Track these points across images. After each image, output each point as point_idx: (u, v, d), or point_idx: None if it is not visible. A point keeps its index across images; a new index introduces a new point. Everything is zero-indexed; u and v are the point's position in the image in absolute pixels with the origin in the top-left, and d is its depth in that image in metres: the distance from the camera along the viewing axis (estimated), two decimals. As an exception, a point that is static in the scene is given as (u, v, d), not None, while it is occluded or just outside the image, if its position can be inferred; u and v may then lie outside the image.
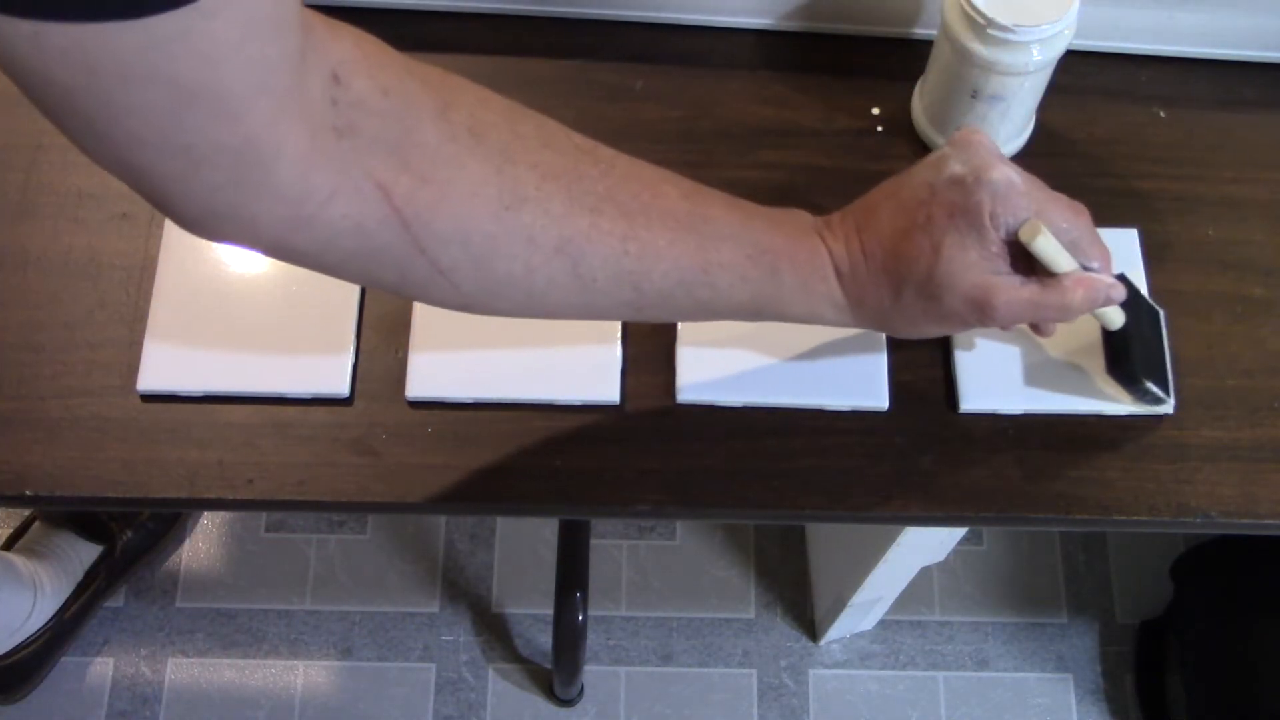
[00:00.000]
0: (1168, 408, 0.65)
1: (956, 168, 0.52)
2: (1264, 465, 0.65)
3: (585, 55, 0.75)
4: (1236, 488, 0.64)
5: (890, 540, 0.95)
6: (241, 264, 0.67)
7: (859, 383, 0.65)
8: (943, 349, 0.67)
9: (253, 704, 1.31)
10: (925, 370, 0.67)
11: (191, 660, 1.33)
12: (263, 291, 0.67)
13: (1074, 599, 1.40)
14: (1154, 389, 0.63)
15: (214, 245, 0.68)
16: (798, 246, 0.53)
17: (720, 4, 0.74)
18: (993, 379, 0.66)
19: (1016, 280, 0.53)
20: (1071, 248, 0.53)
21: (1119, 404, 0.66)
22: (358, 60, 0.41)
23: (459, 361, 0.65)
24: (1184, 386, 0.67)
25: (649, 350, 0.67)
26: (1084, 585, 1.41)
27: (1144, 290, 0.67)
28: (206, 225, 0.41)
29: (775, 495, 0.63)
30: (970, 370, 0.66)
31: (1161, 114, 0.75)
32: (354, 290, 0.67)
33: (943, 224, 0.52)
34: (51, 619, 1.25)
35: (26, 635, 1.24)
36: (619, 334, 0.66)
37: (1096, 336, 0.66)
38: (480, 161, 0.44)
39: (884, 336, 0.66)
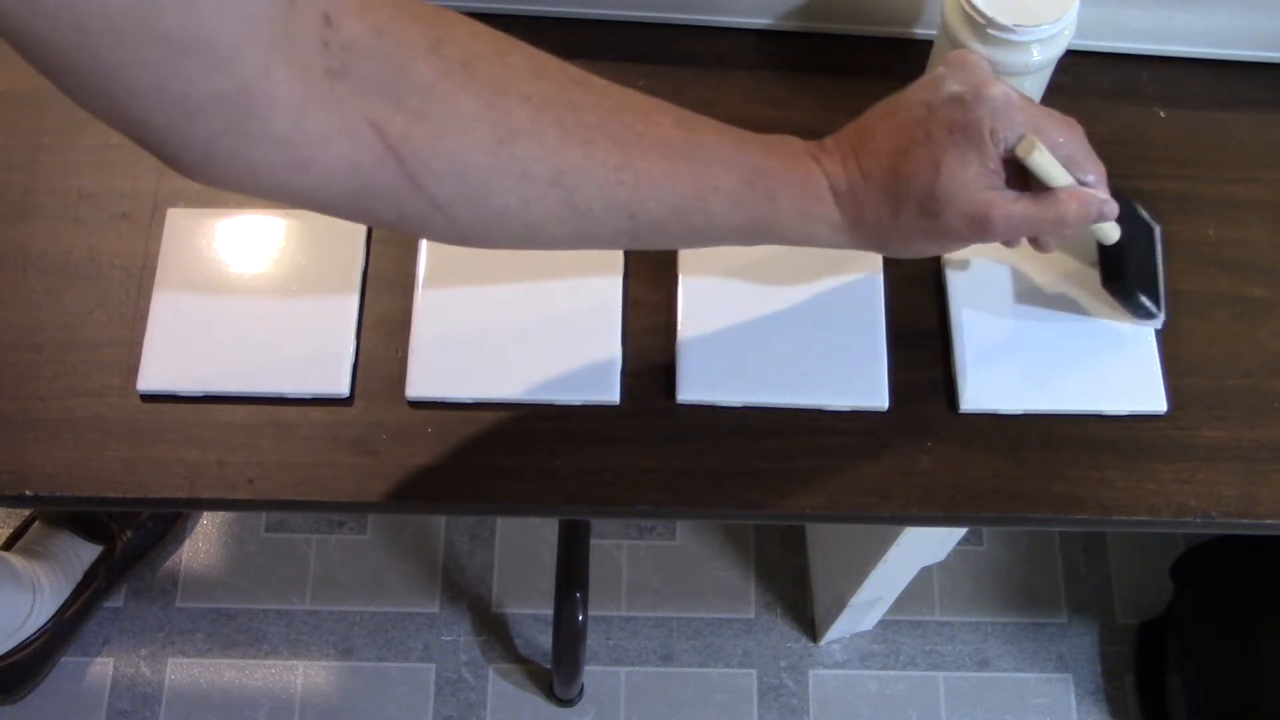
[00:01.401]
0: (1158, 322, 0.67)
1: (954, 86, 0.53)
2: (1264, 465, 0.65)
3: (585, 55, 0.74)
4: (1236, 488, 0.64)
5: (890, 540, 0.95)
6: (241, 264, 0.67)
7: (859, 383, 0.65)
8: (943, 349, 0.67)
9: (253, 704, 1.31)
10: (925, 370, 0.67)
11: (191, 660, 1.33)
12: (263, 291, 0.67)
13: (1074, 599, 1.40)
14: (1147, 302, 0.64)
15: (214, 245, 0.68)
16: (793, 169, 0.53)
17: (720, 4, 0.74)
18: (993, 379, 0.66)
19: (1013, 195, 0.53)
20: (1067, 163, 0.54)
21: (1119, 404, 0.66)
22: (348, 1, 0.42)
23: (459, 362, 0.65)
24: (1184, 386, 0.67)
25: (649, 350, 0.67)
26: (1084, 585, 1.41)
27: (1141, 212, 0.67)
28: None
29: (775, 495, 0.63)
30: (970, 370, 0.66)
31: (1161, 114, 0.75)
32: (354, 290, 0.67)
33: (943, 141, 0.52)
34: (51, 619, 1.25)
35: (26, 635, 1.23)
36: (619, 334, 0.66)
37: (1092, 336, 0.66)
38: (473, 96, 0.45)
39: (884, 336, 0.66)
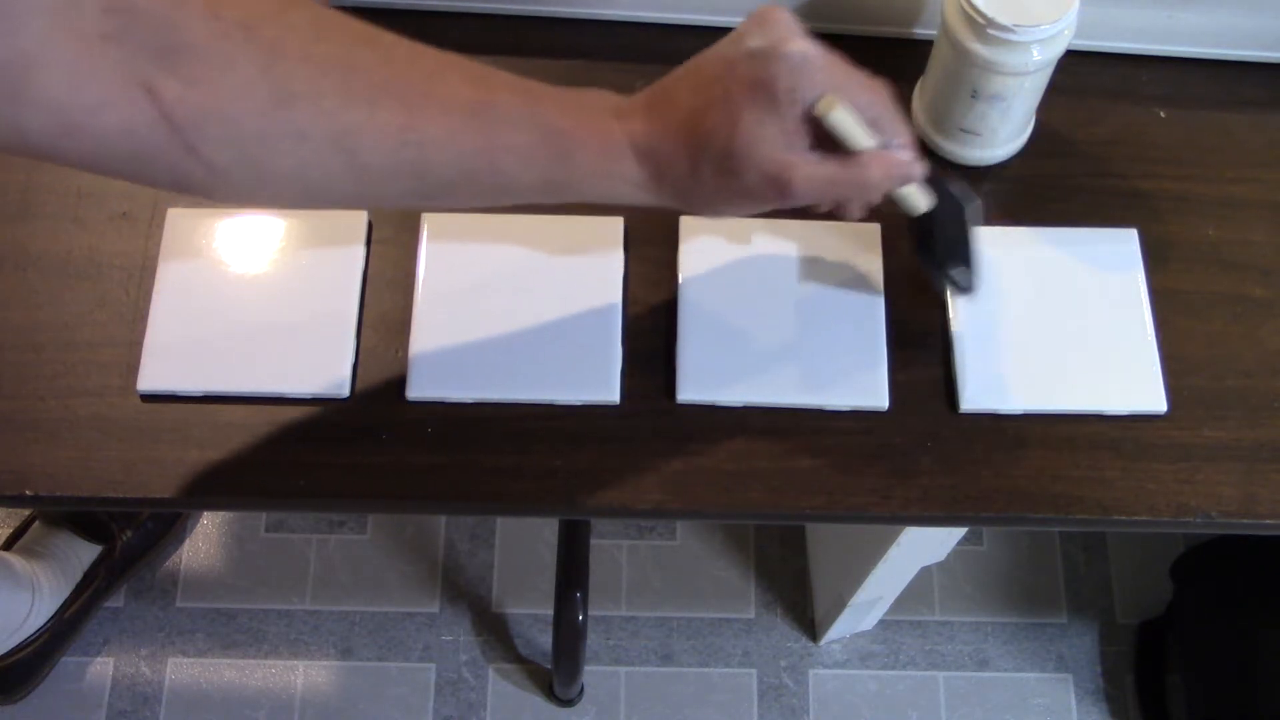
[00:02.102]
0: (972, 294, 0.66)
1: (754, 42, 0.51)
2: (1264, 465, 0.65)
3: (585, 55, 0.75)
4: (1236, 488, 0.64)
5: (890, 540, 0.95)
6: (241, 264, 0.67)
7: (859, 383, 0.65)
8: (943, 349, 0.67)
9: (253, 704, 1.31)
10: (925, 370, 0.67)
11: (191, 660, 1.33)
12: (263, 291, 0.67)
13: (1074, 599, 1.40)
14: (956, 275, 0.63)
15: (214, 245, 0.68)
16: (589, 128, 0.52)
17: (720, 4, 0.74)
18: (993, 379, 0.66)
19: (815, 157, 0.52)
20: (872, 124, 0.53)
21: (1119, 404, 0.66)
22: None
23: (459, 361, 0.65)
24: (1184, 386, 0.67)
25: (649, 350, 0.67)
26: (1084, 585, 1.41)
27: (952, 188, 0.67)
28: None
29: (775, 495, 0.63)
30: (970, 370, 0.66)
31: (1161, 114, 0.75)
32: (354, 290, 0.67)
33: (740, 98, 0.50)
34: (51, 619, 1.25)
35: (26, 635, 1.23)
36: (619, 334, 0.66)
37: (1092, 336, 0.66)
38: (250, 59, 0.44)
39: (884, 336, 0.66)
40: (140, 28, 0.41)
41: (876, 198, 0.56)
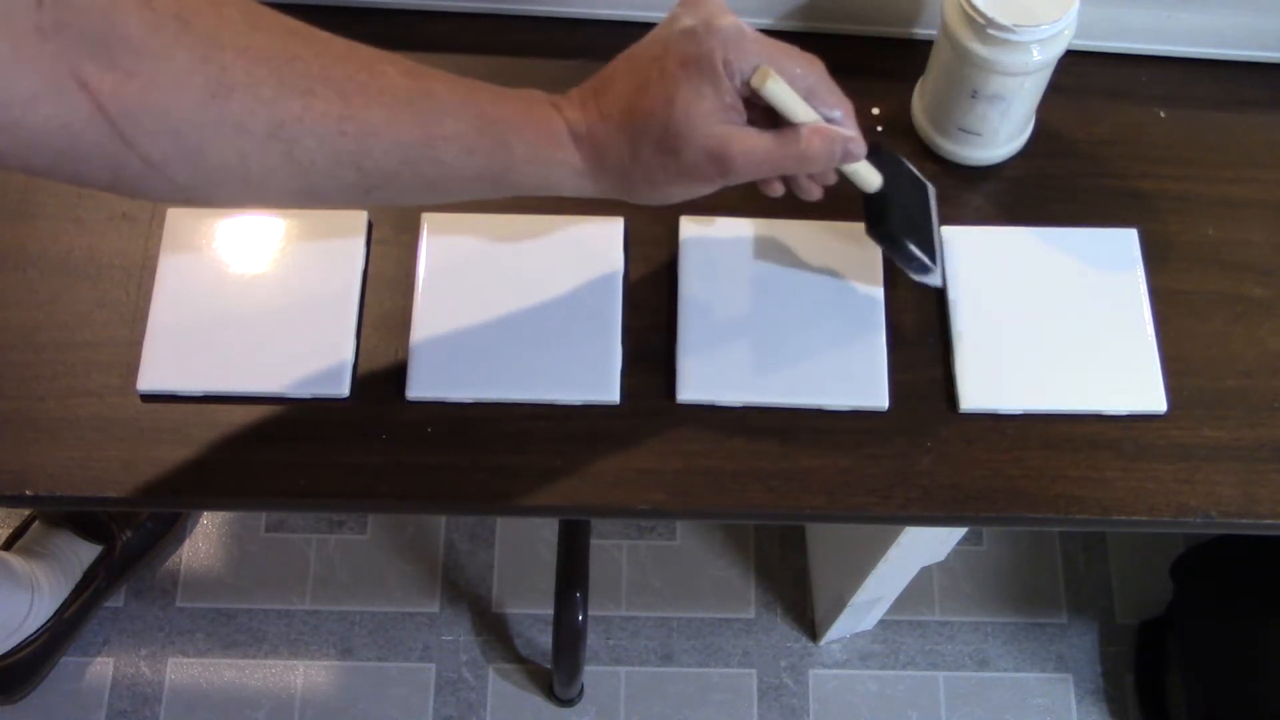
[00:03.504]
0: (935, 279, 0.65)
1: (687, 20, 0.52)
2: (1264, 465, 0.65)
3: (585, 55, 0.75)
4: (1236, 488, 0.64)
5: (890, 540, 0.95)
6: (241, 264, 0.67)
7: (859, 383, 0.65)
8: (943, 349, 0.67)
9: (253, 704, 1.31)
10: (925, 370, 0.67)
11: (191, 660, 1.33)
12: (263, 291, 0.67)
13: (1074, 599, 1.40)
14: (916, 250, 0.62)
15: (214, 245, 0.68)
16: (527, 116, 0.52)
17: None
18: (993, 379, 0.66)
19: (754, 132, 0.52)
20: (809, 96, 0.53)
21: (1119, 404, 0.66)
22: None
23: (459, 361, 0.65)
24: (1184, 386, 0.67)
25: (649, 350, 0.67)
26: (1084, 585, 1.41)
27: (914, 169, 0.66)
28: None
29: (775, 495, 0.63)
30: (970, 370, 0.66)
31: (1161, 114, 0.75)
32: (354, 290, 0.67)
33: (676, 75, 0.51)
34: (51, 619, 1.25)
35: (25, 635, 1.23)
36: (619, 334, 0.66)
37: (1091, 336, 0.66)
38: (186, 50, 0.44)
39: (884, 335, 0.66)
40: (74, 21, 0.41)
41: (824, 173, 0.56)
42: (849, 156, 0.55)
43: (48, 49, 0.41)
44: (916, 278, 0.65)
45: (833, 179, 0.59)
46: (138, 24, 0.42)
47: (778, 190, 0.60)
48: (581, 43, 0.75)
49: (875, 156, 0.60)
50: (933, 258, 0.64)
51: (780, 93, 0.51)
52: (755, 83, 0.51)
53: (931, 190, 0.66)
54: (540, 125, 0.52)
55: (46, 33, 0.41)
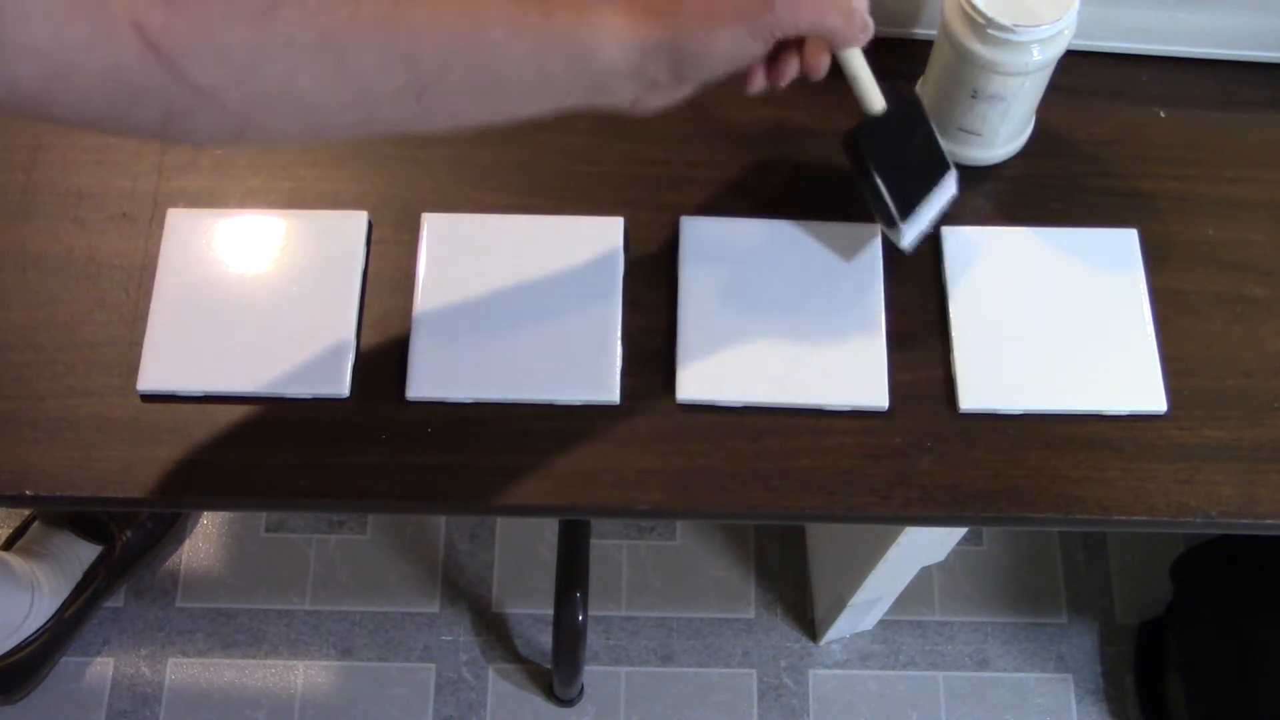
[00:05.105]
0: (902, 240, 0.65)
1: None
2: (1264, 465, 0.65)
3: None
4: (1236, 488, 0.64)
5: (890, 540, 0.95)
6: (241, 264, 0.67)
7: (859, 383, 0.65)
8: (943, 349, 0.67)
9: (253, 704, 1.31)
10: (925, 370, 0.67)
11: (191, 660, 1.33)
12: (263, 291, 0.67)
13: (1074, 599, 1.40)
14: (882, 187, 0.61)
15: (214, 245, 0.68)
16: None
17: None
18: (993, 379, 0.66)
19: None
20: None
21: (1119, 404, 0.66)
22: None
23: (459, 361, 0.65)
24: (1184, 386, 0.67)
25: (649, 350, 0.67)
26: (1084, 585, 1.41)
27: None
28: None
29: (775, 495, 0.63)
30: (970, 370, 0.66)
31: (1161, 114, 0.75)
32: (354, 290, 0.67)
33: None
34: (51, 619, 1.25)
35: (25, 635, 1.23)
36: (619, 334, 0.66)
37: (1092, 336, 0.66)
38: None
39: (884, 335, 0.66)
40: None
41: (818, 61, 0.56)
42: (867, 29, 0.55)
43: None
44: (884, 229, 0.64)
45: (822, 70, 0.58)
46: None
47: (758, 84, 0.58)
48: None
49: (896, 97, 0.60)
50: (905, 217, 0.63)
51: None
52: None
53: (953, 172, 0.66)
54: None
55: None
